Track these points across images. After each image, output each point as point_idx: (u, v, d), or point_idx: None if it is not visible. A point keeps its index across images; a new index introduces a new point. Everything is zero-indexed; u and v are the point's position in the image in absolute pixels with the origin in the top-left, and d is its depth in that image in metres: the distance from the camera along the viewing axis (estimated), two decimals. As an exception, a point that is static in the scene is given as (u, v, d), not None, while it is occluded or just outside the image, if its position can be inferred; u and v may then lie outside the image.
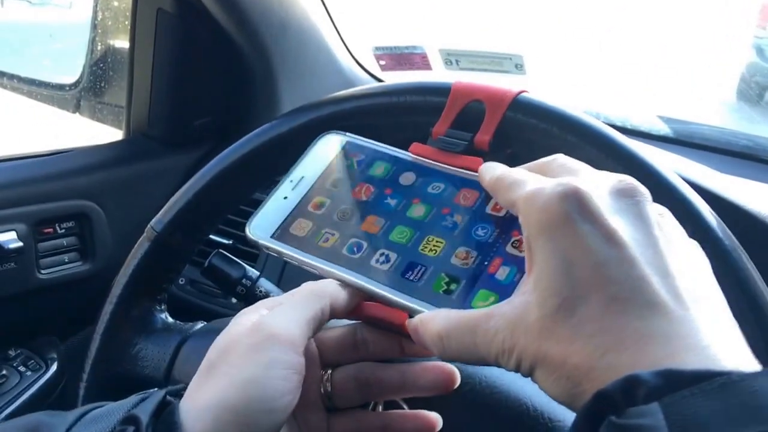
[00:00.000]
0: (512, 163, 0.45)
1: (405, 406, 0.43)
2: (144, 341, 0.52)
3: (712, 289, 0.33)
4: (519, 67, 0.82)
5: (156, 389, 0.40)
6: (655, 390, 0.25)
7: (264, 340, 0.37)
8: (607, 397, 0.26)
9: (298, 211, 0.44)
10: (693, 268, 0.33)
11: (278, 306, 0.39)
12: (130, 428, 0.36)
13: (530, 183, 0.35)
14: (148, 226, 0.53)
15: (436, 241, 0.41)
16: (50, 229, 0.86)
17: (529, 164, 0.38)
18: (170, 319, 0.54)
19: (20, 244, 0.83)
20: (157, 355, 0.51)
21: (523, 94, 0.44)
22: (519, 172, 0.37)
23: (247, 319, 0.39)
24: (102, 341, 0.51)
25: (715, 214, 0.41)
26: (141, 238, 0.52)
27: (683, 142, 0.81)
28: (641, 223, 0.32)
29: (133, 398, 0.39)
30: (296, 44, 0.90)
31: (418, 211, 0.42)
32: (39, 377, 0.93)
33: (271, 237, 0.43)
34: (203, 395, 0.37)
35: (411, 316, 0.38)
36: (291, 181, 0.46)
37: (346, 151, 0.47)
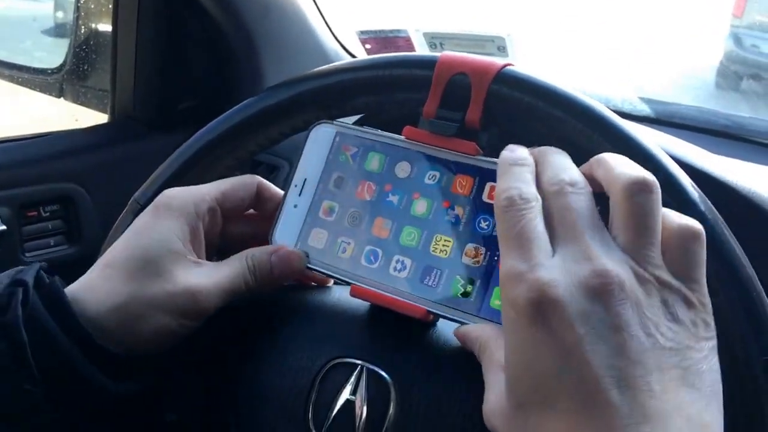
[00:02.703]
0: (504, 138, 0.46)
1: (388, 379, 0.43)
2: None
3: (693, 393, 0.31)
4: (501, 49, 0.83)
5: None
6: None
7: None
8: None
9: (312, 219, 0.47)
10: (675, 378, 0.31)
11: None
12: (18, 289, 0.39)
13: (512, 251, 0.34)
14: (132, 198, 0.52)
15: (445, 240, 0.43)
16: (35, 213, 0.86)
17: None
18: None
19: (4, 227, 0.82)
20: None
21: (508, 68, 0.44)
22: (515, 222, 0.35)
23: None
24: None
25: (697, 188, 0.41)
26: (125, 211, 0.52)
27: (664, 121, 0.82)
28: (609, 333, 0.31)
29: (10, 271, 0.42)
30: (280, 27, 0.90)
31: (420, 207, 0.44)
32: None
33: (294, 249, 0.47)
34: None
35: (432, 314, 0.42)
36: (295, 186, 0.48)
37: (339, 144, 0.47)
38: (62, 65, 0.98)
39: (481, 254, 0.42)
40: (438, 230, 0.43)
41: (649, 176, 0.34)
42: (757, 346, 0.38)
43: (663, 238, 0.34)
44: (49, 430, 0.40)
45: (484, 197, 0.43)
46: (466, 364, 0.42)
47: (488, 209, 0.42)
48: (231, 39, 0.88)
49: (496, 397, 0.35)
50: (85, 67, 0.97)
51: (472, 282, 0.42)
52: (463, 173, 0.44)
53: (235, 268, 0.45)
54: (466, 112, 0.45)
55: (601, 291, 0.31)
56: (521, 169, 0.37)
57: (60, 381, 0.39)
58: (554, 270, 0.32)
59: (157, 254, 0.42)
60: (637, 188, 0.34)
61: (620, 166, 0.35)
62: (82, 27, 0.95)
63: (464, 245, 0.42)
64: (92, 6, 0.94)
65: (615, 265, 0.32)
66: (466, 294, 0.42)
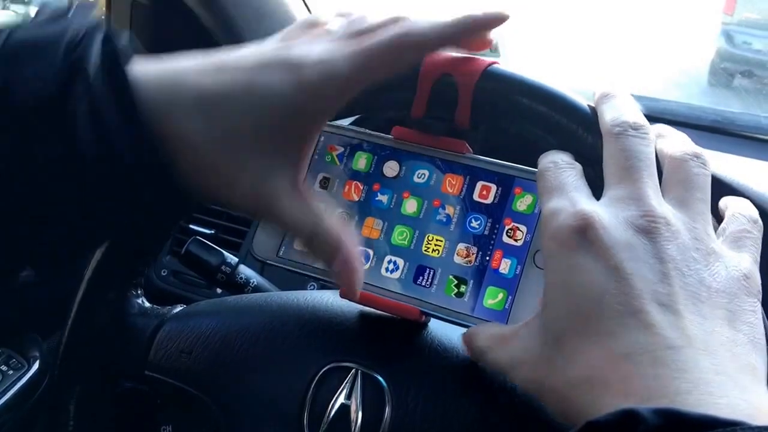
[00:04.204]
0: (493, 136, 0.46)
1: (383, 382, 0.43)
2: (119, 326, 0.51)
3: (739, 335, 0.30)
4: (493, 50, 0.83)
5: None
6: (655, 429, 0.24)
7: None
8: (600, 429, 0.25)
9: None
10: (719, 315, 0.30)
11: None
12: (79, 77, 0.31)
13: (554, 197, 0.35)
14: None
15: (437, 240, 0.43)
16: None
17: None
18: (147, 304, 0.53)
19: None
20: (133, 339, 0.50)
21: (493, 66, 0.45)
22: (556, 176, 0.36)
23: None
24: (74, 326, 0.50)
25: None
26: None
27: (655, 118, 0.82)
28: (654, 261, 0.30)
29: (62, 26, 0.32)
30: (273, 34, 0.90)
31: (410, 206, 0.44)
32: (21, 376, 0.92)
33: (278, 255, 0.45)
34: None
35: (426, 315, 0.42)
36: None
37: (324, 144, 0.47)
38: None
39: (473, 254, 0.42)
40: (429, 229, 0.43)
41: (704, 152, 0.35)
42: None
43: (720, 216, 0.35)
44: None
45: (475, 196, 0.43)
46: (460, 366, 0.42)
47: (479, 208, 0.42)
48: (224, 47, 0.89)
49: (521, 350, 0.34)
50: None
51: (465, 282, 0.41)
52: (453, 172, 0.44)
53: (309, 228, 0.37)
54: (454, 111, 0.45)
55: (648, 229, 0.31)
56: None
57: (122, 194, 0.33)
58: (600, 206, 0.33)
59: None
60: (693, 158, 0.35)
61: (680, 142, 0.36)
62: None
63: (456, 245, 0.42)
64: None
65: (665, 209, 0.32)
66: (459, 294, 0.41)
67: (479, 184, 0.43)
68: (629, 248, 0.31)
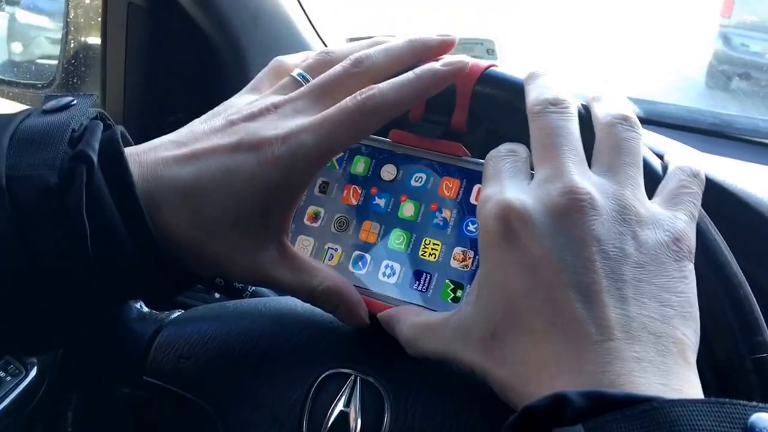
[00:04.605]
0: (491, 139, 0.46)
1: (382, 389, 0.42)
2: (116, 331, 0.50)
3: (666, 310, 0.30)
4: (491, 52, 0.83)
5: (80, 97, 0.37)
6: (581, 411, 0.25)
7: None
8: (534, 414, 0.26)
9: (297, 226, 0.46)
10: (645, 293, 0.30)
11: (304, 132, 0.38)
12: (81, 166, 0.33)
13: (488, 185, 0.35)
14: None
15: (433, 244, 0.42)
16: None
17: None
18: (145, 309, 0.53)
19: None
20: (131, 345, 0.49)
21: (492, 68, 0.45)
22: (495, 163, 0.37)
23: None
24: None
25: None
26: None
27: (653, 121, 0.82)
28: (577, 247, 0.30)
29: (65, 117, 0.35)
30: (269, 37, 0.90)
31: (408, 210, 0.44)
32: (19, 382, 0.91)
33: None
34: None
35: None
36: None
37: None
38: (52, 80, 0.98)
39: (470, 258, 0.42)
40: (426, 233, 0.43)
41: (632, 115, 0.35)
42: (747, 344, 0.38)
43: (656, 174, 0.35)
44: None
45: (472, 199, 0.43)
46: (459, 372, 0.41)
47: (475, 212, 0.42)
48: (220, 50, 0.88)
49: (459, 340, 0.34)
50: (75, 81, 0.97)
51: (461, 287, 0.41)
52: (450, 175, 0.44)
53: (308, 282, 0.41)
54: (452, 114, 0.45)
55: (570, 208, 0.31)
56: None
57: (118, 276, 0.36)
58: (524, 191, 0.33)
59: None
60: (620, 121, 0.35)
61: (609, 105, 0.36)
62: (72, 41, 0.95)
63: (452, 249, 0.42)
64: (81, 20, 0.94)
65: (587, 182, 0.32)
66: (455, 299, 0.41)
67: (476, 188, 0.43)
68: (551, 236, 0.31)
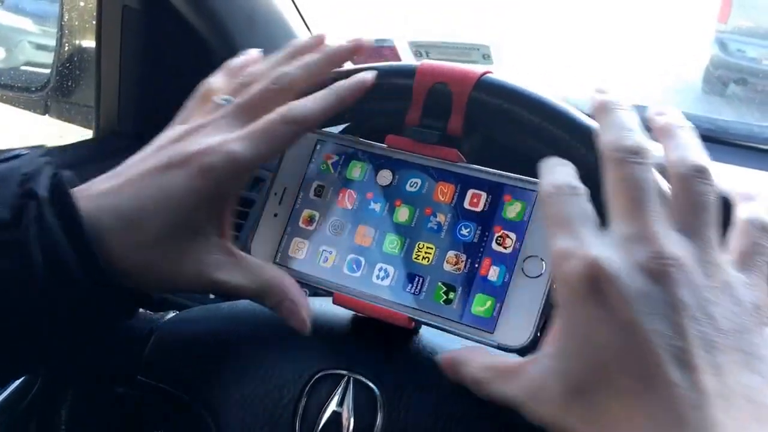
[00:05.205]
0: (486, 145, 0.46)
1: (375, 389, 0.43)
2: (111, 331, 0.49)
3: (755, 378, 0.30)
4: (486, 57, 0.83)
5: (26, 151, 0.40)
6: None
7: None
8: None
9: (292, 229, 0.46)
10: (736, 361, 0.30)
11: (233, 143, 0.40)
12: (31, 203, 0.36)
13: (562, 233, 0.34)
14: None
15: (427, 248, 0.43)
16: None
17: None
18: (140, 310, 0.52)
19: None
20: (125, 344, 0.49)
21: (488, 75, 0.45)
22: (561, 206, 0.35)
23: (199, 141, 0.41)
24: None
25: None
26: None
27: (648, 127, 0.82)
28: (668, 311, 0.30)
29: (16, 164, 0.38)
30: (265, 39, 0.89)
31: (402, 214, 0.44)
32: (10, 382, 0.91)
33: (274, 262, 0.46)
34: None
35: (415, 321, 0.42)
36: (275, 194, 0.47)
37: (320, 152, 0.47)
38: (47, 82, 0.98)
39: (462, 261, 0.42)
40: (420, 237, 0.43)
41: (707, 163, 0.34)
42: None
43: (727, 227, 0.34)
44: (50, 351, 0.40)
45: (466, 204, 0.43)
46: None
47: (469, 216, 0.43)
48: (215, 51, 0.88)
49: (536, 389, 0.33)
50: (70, 84, 0.96)
51: (453, 289, 0.42)
52: (445, 180, 0.44)
53: (258, 283, 0.42)
54: (448, 119, 0.45)
55: (659, 273, 0.31)
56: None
57: (70, 304, 0.37)
58: (609, 247, 0.32)
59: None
60: (697, 174, 0.34)
61: (683, 150, 0.35)
62: (66, 44, 0.94)
63: (446, 252, 0.42)
64: (76, 23, 0.94)
65: (674, 246, 0.32)
66: (448, 301, 0.42)
67: (470, 192, 0.43)
68: (642, 299, 0.30)
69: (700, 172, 0.34)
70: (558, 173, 0.36)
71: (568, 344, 0.32)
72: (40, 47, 1.11)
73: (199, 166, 0.39)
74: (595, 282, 0.31)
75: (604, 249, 0.32)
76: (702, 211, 0.33)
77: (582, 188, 0.35)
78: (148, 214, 0.39)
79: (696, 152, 0.35)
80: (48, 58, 0.97)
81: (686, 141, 0.36)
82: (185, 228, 0.40)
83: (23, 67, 1.12)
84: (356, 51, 0.47)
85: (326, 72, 0.46)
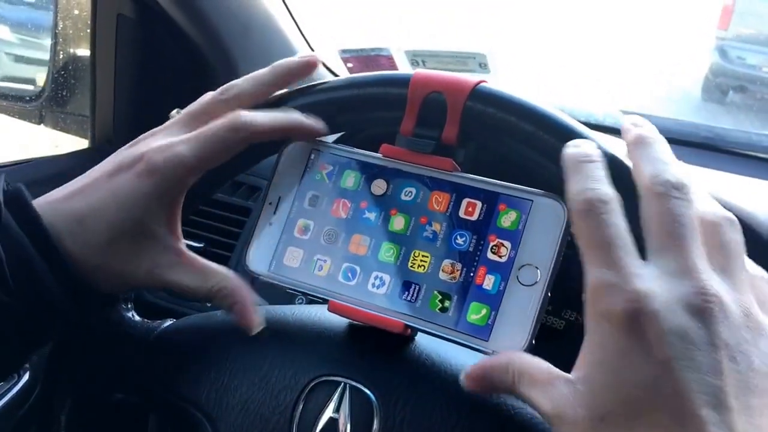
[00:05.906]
0: (481, 154, 0.46)
1: (371, 395, 0.42)
2: (109, 338, 0.51)
3: None
4: (483, 66, 0.83)
5: None
6: None
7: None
8: None
9: (286, 238, 0.46)
10: (764, 401, 0.30)
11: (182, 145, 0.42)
12: None
13: (599, 261, 0.33)
14: None
15: (423, 256, 0.43)
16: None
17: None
18: (138, 318, 0.53)
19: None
20: (124, 351, 0.50)
21: (482, 84, 0.45)
22: (598, 227, 0.33)
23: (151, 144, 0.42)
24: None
25: None
26: None
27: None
28: (707, 349, 0.30)
29: None
30: (260, 47, 0.90)
31: (398, 223, 0.44)
32: (11, 387, 0.91)
33: (269, 270, 0.46)
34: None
35: (411, 329, 0.42)
36: (270, 204, 0.47)
37: (314, 162, 0.47)
38: (41, 92, 0.98)
39: (458, 270, 0.42)
40: (416, 246, 0.43)
41: (733, 217, 0.34)
42: None
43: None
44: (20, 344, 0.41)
45: (461, 213, 0.43)
46: (446, 378, 0.42)
47: (464, 225, 0.43)
48: (210, 60, 0.88)
49: (565, 406, 0.32)
50: (65, 93, 0.96)
51: (449, 297, 0.42)
52: (440, 190, 0.44)
53: (205, 282, 0.44)
54: (442, 129, 0.45)
55: (701, 309, 0.31)
56: (592, 165, 0.35)
57: (31, 299, 0.40)
58: (652, 281, 0.32)
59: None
60: (727, 223, 0.34)
61: (711, 203, 0.35)
62: (61, 53, 0.94)
63: (441, 261, 0.42)
64: (70, 32, 0.94)
65: (715, 284, 0.31)
66: (443, 309, 0.42)
67: (465, 201, 0.43)
68: (682, 337, 0.30)
69: (731, 223, 0.34)
70: (584, 180, 0.35)
71: (598, 375, 0.32)
72: (19, 59, 1.10)
73: (146, 167, 0.41)
74: (637, 318, 0.31)
75: (645, 283, 0.31)
76: (733, 255, 0.33)
77: (615, 197, 0.34)
78: (99, 216, 0.41)
79: (720, 207, 0.35)
80: (28, 71, 0.96)
81: (705, 194, 0.36)
82: (135, 228, 0.42)
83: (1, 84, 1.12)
84: (308, 68, 0.48)
85: (275, 87, 0.47)
